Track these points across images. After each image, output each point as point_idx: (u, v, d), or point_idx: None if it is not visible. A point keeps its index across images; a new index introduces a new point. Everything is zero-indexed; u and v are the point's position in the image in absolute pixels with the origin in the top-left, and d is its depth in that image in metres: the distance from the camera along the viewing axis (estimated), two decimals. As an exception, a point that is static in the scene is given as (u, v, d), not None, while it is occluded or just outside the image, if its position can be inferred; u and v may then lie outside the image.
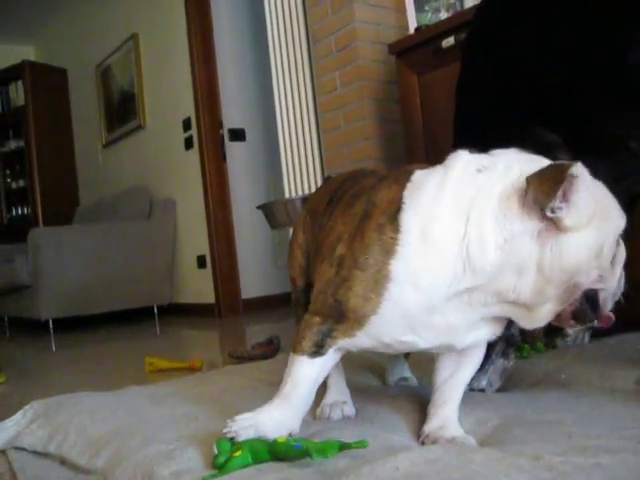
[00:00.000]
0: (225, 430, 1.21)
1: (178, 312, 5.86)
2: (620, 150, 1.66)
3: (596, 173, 1.17)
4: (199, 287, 5.69)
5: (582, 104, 1.68)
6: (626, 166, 1.67)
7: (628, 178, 1.67)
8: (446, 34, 2.90)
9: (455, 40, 2.85)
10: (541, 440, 1.20)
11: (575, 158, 1.18)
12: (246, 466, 1.15)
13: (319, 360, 1.26)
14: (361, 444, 1.14)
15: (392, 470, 1.06)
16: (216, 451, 1.17)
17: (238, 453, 1.15)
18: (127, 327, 5.26)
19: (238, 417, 1.25)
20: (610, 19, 1.63)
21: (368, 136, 3.56)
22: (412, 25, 3.37)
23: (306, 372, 1.27)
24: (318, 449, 1.12)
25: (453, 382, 1.34)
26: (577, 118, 1.69)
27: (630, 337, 2.06)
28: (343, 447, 1.15)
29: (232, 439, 1.20)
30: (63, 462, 1.48)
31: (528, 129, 1.74)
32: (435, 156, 2.93)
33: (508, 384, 1.72)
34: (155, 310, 5.57)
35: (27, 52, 8.39)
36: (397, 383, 1.77)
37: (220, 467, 1.14)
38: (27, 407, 1.82)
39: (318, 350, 1.25)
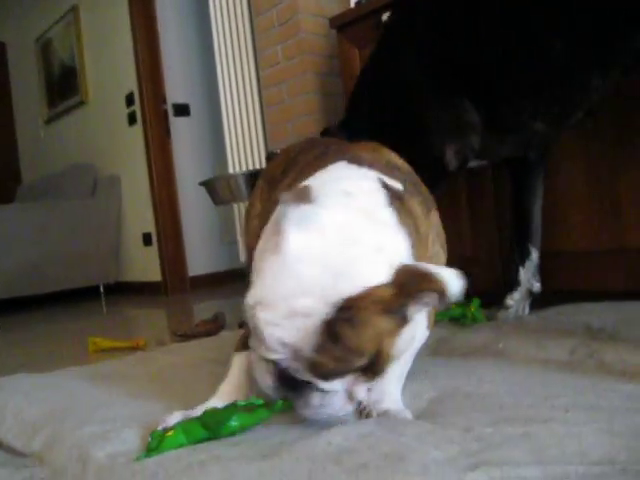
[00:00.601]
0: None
1: (125, 290, 5.81)
2: (526, 129, 1.92)
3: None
4: (145, 265, 5.64)
5: (502, 88, 1.80)
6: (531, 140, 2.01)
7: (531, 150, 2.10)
8: (386, 8, 2.88)
9: (395, 14, 2.85)
10: (473, 411, 1.23)
11: (486, 135, 1.33)
12: (180, 446, 1.15)
13: None
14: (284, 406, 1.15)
15: (325, 445, 1.07)
16: (149, 439, 1.16)
17: (170, 433, 1.15)
18: (73, 307, 5.20)
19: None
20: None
21: (311, 111, 3.55)
22: (353, -1, 3.35)
23: None
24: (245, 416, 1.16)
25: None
26: (496, 100, 1.81)
27: (567, 308, 2.11)
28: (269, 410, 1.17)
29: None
30: (0, 446, 1.47)
31: (453, 101, 1.81)
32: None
33: (445, 352, 1.75)
34: (101, 289, 5.52)
35: (-36, 26, 8.16)
36: None
37: (152, 450, 1.14)
38: (-37, 391, 1.79)
39: None
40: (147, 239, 5.56)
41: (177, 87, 5.54)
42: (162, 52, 5.41)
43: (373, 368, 1.08)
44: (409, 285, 1.02)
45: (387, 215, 1.13)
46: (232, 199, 3.14)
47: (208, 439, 1.17)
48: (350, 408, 1.16)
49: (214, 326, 2.85)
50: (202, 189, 3.33)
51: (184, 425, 1.17)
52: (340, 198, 1.12)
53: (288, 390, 1.12)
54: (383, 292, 1.02)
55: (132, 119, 5.55)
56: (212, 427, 1.17)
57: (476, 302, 2.18)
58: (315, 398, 1.12)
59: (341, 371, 1.08)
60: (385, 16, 2.87)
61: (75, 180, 5.93)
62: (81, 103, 6.32)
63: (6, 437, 1.45)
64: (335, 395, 1.12)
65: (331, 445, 1.07)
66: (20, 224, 5.26)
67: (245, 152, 4.16)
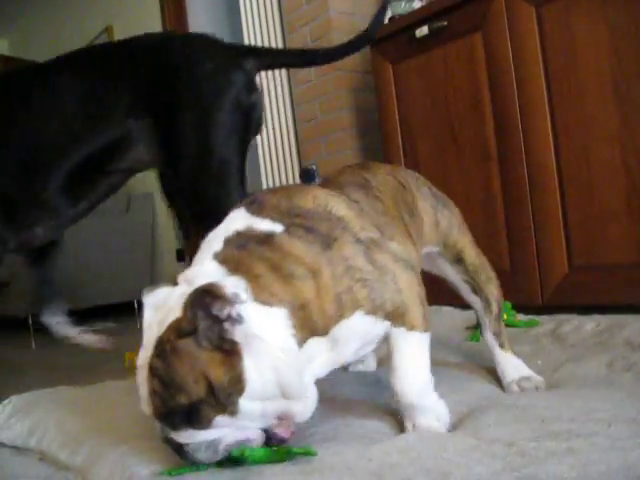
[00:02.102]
0: None
1: (159, 306, 5.83)
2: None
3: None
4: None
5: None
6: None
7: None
8: (420, 23, 2.91)
9: (429, 29, 2.86)
10: (515, 424, 1.22)
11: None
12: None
13: None
14: (309, 452, 1.14)
15: (366, 461, 1.07)
16: None
17: None
18: (109, 322, 5.23)
19: None
20: None
21: (345, 127, 3.56)
22: (386, 15, 3.36)
23: None
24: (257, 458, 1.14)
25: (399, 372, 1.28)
26: None
27: (605, 322, 2.08)
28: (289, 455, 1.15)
29: None
30: (42, 458, 1.48)
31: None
32: (411, 145, 2.96)
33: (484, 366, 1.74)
34: (135, 305, 5.55)
35: (1, 46, 8.31)
36: (520, 385, 1.55)
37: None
38: (6, 402, 1.82)
39: None
40: (181, 255, 5.59)
41: (210, 104, 5.58)
42: (195, 70, 5.46)
43: (221, 406, 1.06)
44: (192, 301, 1.04)
45: (208, 261, 1.18)
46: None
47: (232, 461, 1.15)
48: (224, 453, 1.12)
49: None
50: (236, 205, 3.34)
51: None
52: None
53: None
54: (177, 318, 1.06)
55: (165, 138, 5.59)
56: (239, 455, 1.15)
57: (507, 306, 2.16)
58: (188, 452, 1.10)
59: (172, 411, 1.06)
60: (419, 31, 2.88)
61: (110, 197, 5.99)
62: (115, 121, 6.38)
63: (50, 448, 1.47)
64: (198, 445, 1.09)
65: (372, 462, 1.07)
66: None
67: (279, 169, 4.18)
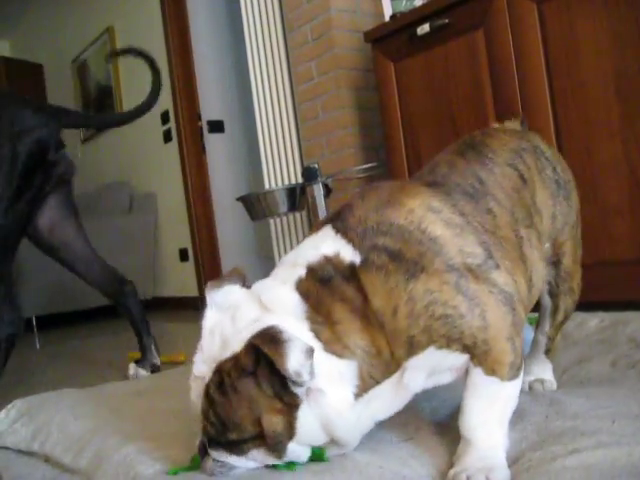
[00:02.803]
0: None
1: (161, 306, 5.85)
2: None
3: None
4: (181, 280, 5.67)
5: None
6: None
7: None
8: (421, 21, 2.90)
9: (430, 27, 2.85)
10: (520, 423, 1.22)
11: None
12: None
13: None
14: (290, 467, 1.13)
15: (376, 468, 1.07)
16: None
17: None
18: (110, 322, 5.24)
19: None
20: None
21: (346, 125, 3.56)
22: (387, 12, 3.37)
23: None
24: None
25: (465, 414, 1.13)
26: None
27: (610, 319, 2.08)
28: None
29: None
30: (47, 460, 1.48)
31: None
32: (413, 143, 2.96)
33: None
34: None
35: (2, 48, 8.32)
36: (531, 385, 1.52)
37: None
38: (10, 406, 1.81)
39: None
40: (183, 255, 5.60)
41: (211, 104, 5.59)
42: (196, 70, 5.47)
43: (269, 448, 1.05)
44: (257, 345, 1.00)
45: (289, 288, 1.10)
46: (269, 214, 3.15)
47: None
48: None
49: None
50: (238, 204, 3.35)
51: None
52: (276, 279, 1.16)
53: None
54: (241, 351, 1.03)
55: (167, 137, 5.61)
56: None
57: None
58: (207, 463, 1.10)
59: (220, 440, 1.06)
60: (420, 29, 2.88)
61: (112, 197, 6.01)
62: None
63: (53, 452, 1.47)
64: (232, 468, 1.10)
65: (383, 469, 1.07)
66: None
67: (281, 167, 4.18)
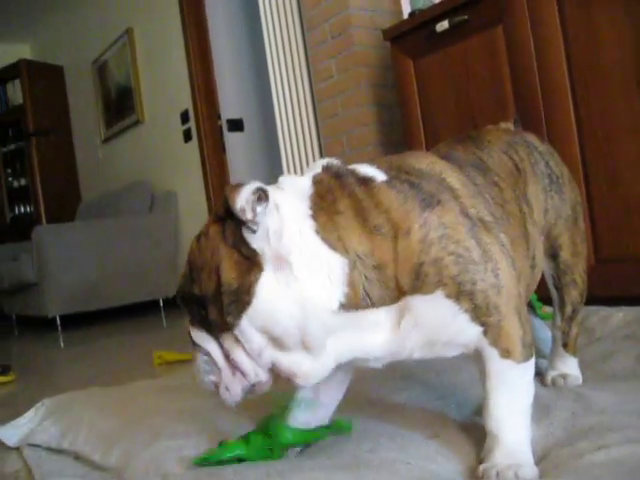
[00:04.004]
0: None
1: (183, 304, 5.86)
2: None
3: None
4: (204, 279, 5.69)
5: None
6: None
7: None
8: (440, 18, 2.90)
9: (449, 24, 2.85)
10: (546, 419, 1.22)
11: None
12: (239, 454, 1.16)
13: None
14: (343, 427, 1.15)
15: (403, 464, 1.08)
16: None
17: (232, 440, 1.18)
18: (133, 321, 5.29)
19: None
20: None
21: (366, 122, 3.56)
22: (406, 10, 3.36)
23: None
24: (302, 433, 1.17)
25: (489, 409, 1.11)
26: None
27: (634, 315, 2.07)
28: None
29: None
30: (77, 457, 1.51)
31: None
32: (433, 139, 2.96)
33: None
34: (161, 303, 5.59)
35: (23, 51, 8.39)
36: (554, 380, 1.53)
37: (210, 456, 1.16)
38: (39, 404, 1.84)
39: None
40: (205, 253, 5.62)
41: (231, 103, 5.60)
42: (215, 69, 5.49)
43: (222, 313, 1.00)
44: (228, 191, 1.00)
45: (306, 177, 1.10)
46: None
47: (267, 448, 1.18)
48: (238, 385, 1.06)
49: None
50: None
51: (248, 434, 1.20)
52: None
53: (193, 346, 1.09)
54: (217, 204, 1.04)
55: (187, 136, 5.63)
56: (273, 433, 1.18)
57: (534, 297, 2.15)
58: (195, 356, 1.07)
59: (186, 297, 1.06)
60: (439, 26, 2.88)
61: (133, 197, 6.05)
62: (137, 122, 6.43)
63: (83, 450, 1.49)
64: (206, 346, 1.05)
65: (410, 465, 1.08)
66: (81, 242, 5.38)
67: (301, 165, 4.19)
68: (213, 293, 1.01)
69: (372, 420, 1.34)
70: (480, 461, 1.08)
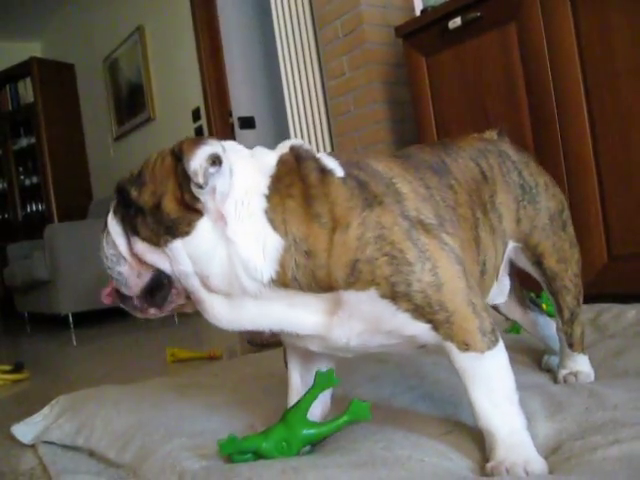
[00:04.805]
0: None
1: (195, 302, 5.87)
2: None
3: None
4: (215, 276, 5.70)
5: None
6: None
7: None
8: (452, 15, 2.90)
9: (462, 21, 2.85)
10: (560, 414, 1.22)
11: None
12: (258, 446, 1.17)
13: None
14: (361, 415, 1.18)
15: (417, 461, 1.08)
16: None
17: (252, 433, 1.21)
18: (145, 319, 5.30)
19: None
20: None
21: (378, 120, 3.56)
22: (418, 7, 3.37)
23: None
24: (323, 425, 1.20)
25: (473, 407, 1.13)
26: None
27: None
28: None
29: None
30: (92, 455, 1.51)
31: None
32: (445, 137, 2.95)
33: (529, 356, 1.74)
34: (173, 300, 5.59)
35: (34, 49, 8.42)
36: (565, 378, 1.53)
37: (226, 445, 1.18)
38: (54, 402, 1.85)
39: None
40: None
41: (242, 101, 5.61)
42: (227, 67, 5.49)
43: (153, 224, 1.08)
44: (190, 141, 1.07)
45: (275, 153, 1.16)
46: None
47: (285, 441, 1.18)
48: (133, 282, 1.15)
49: (288, 336, 2.86)
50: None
51: (269, 427, 1.21)
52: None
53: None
54: (182, 141, 1.09)
55: (199, 133, 5.64)
56: (291, 424, 1.19)
57: (545, 295, 2.14)
58: (104, 238, 1.16)
59: (120, 190, 1.13)
60: (452, 23, 2.87)
61: (144, 195, 6.06)
62: (149, 120, 6.45)
63: (98, 447, 1.50)
64: (114, 238, 1.14)
65: (424, 462, 1.08)
66: (92, 239, 5.36)
67: (312, 163, 4.19)
68: (150, 209, 1.08)
69: (386, 418, 1.35)
70: (487, 459, 1.09)
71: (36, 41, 8.58)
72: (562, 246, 1.49)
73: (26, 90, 7.96)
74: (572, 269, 1.51)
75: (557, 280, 1.49)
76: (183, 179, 1.05)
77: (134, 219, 1.10)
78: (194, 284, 1.09)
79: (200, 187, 1.02)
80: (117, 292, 1.19)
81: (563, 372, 1.55)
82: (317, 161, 1.13)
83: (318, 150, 4.15)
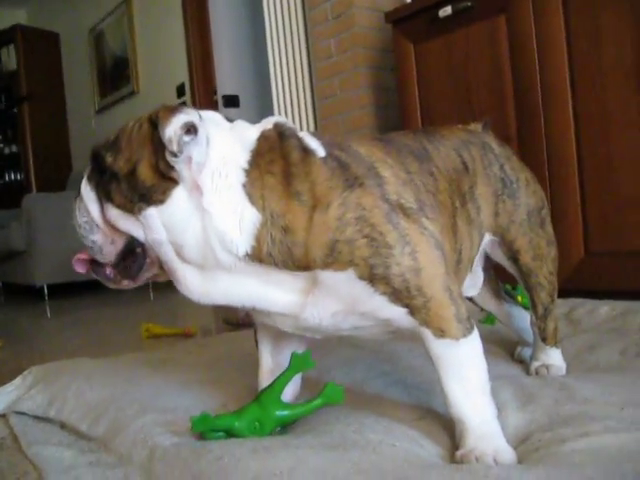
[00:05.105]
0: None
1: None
2: None
3: None
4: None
5: None
6: None
7: None
8: (443, 3, 2.89)
9: (452, 10, 2.84)
10: (530, 405, 1.24)
11: None
12: (231, 425, 1.18)
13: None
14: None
15: (389, 446, 1.09)
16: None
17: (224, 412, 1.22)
18: (121, 293, 5.28)
19: None
20: None
21: (363, 105, 3.56)
22: (409, -7, 3.35)
23: None
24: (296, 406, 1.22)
25: (445, 395, 1.13)
26: None
27: (621, 308, 2.09)
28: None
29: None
30: (63, 427, 1.51)
31: None
32: (430, 124, 2.95)
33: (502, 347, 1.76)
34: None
35: (19, 16, 8.32)
36: (537, 370, 1.55)
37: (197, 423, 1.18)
38: (26, 372, 1.84)
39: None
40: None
41: (227, 78, 5.57)
42: (213, 44, 5.45)
43: (127, 191, 1.08)
44: (168, 109, 1.07)
45: (256, 128, 1.15)
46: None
47: (257, 421, 1.19)
48: (107, 249, 1.14)
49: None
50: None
51: (243, 407, 1.21)
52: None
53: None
54: (158, 109, 1.08)
55: (183, 109, 5.61)
56: (265, 405, 1.19)
57: (521, 288, 2.15)
58: (76, 205, 1.16)
59: (95, 156, 1.12)
60: (442, 11, 2.87)
61: (125, 169, 6.03)
62: (132, 93, 6.40)
63: (70, 419, 1.49)
64: (88, 204, 1.14)
65: (396, 447, 1.09)
66: (70, 211, 5.35)
67: (296, 145, 4.18)
68: (125, 176, 1.08)
69: (358, 402, 1.35)
70: (457, 447, 1.10)
71: (21, 8, 8.46)
72: (539, 243, 1.50)
73: (9, 57, 7.88)
74: (548, 267, 1.52)
75: (532, 277, 1.50)
76: (159, 146, 1.04)
77: (108, 185, 1.09)
78: (167, 253, 1.09)
79: (174, 155, 1.02)
80: (91, 262, 1.18)
81: (535, 364, 1.56)
82: (300, 140, 1.12)
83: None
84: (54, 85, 7.85)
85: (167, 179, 1.05)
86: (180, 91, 5.61)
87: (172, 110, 1.04)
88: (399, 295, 1.07)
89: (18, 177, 7.96)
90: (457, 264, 1.32)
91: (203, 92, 5.40)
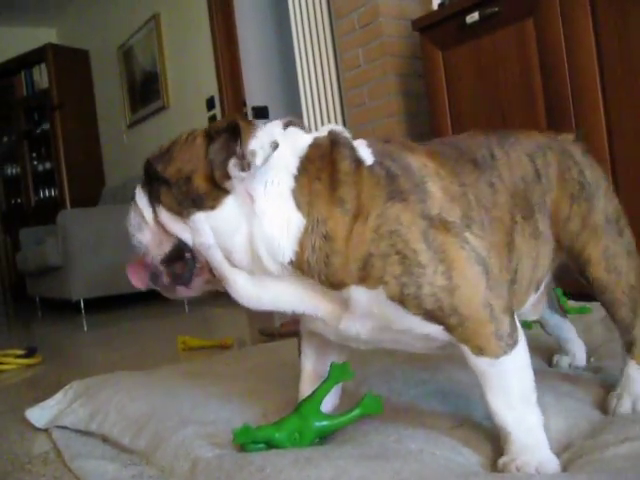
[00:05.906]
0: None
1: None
2: None
3: None
4: (226, 265, 5.71)
5: None
6: None
7: None
8: (470, 9, 2.89)
9: (479, 15, 2.84)
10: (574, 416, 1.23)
11: None
12: (271, 436, 1.18)
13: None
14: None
15: (429, 455, 1.09)
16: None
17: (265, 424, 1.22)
18: (156, 306, 5.32)
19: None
20: None
21: (393, 113, 3.56)
22: (436, 0, 3.35)
23: None
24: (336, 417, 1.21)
25: (489, 406, 1.11)
26: None
27: None
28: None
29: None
30: (105, 440, 1.53)
31: None
32: (460, 132, 2.94)
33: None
34: (184, 289, 5.61)
35: (49, 35, 8.45)
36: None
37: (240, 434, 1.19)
38: (67, 387, 1.87)
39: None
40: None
41: (256, 90, 5.61)
42: (241, 56, 5.50)
43: (178, 195, 1.10)
44: (238, 120, 1.06)
45: (310, 136, 1.16)
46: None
47: (297, 432, 1.19)
48: (157, 251, 1.17)
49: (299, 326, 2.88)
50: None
51: (282, 418, 1.22)
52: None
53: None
54: (219, 122, 1.11)
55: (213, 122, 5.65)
56: (305, 415, 1.20)
57: (558, 292, 2.11)
58: (132, 210, 1.19)
59: (155, 170, 1.13)
60: (469, 17, 2.86)
61: (157, 183, 6.08)
62: (162, 108, 6.46)
63: (112, 432, 1.51)
64: (142, 211, 1.16)
65: (436, 455, 1.09)
66: (106, 226, 5.42)
67: (326, 154, 4.19)
68: (175, 182, 1.10)
69: (396, 411, 1.36)
70: (500, 453, 1.09)
71: (51, 27, 8.59)
72: (615, 252, 1.33)
73: (41, 76, 7.99)
74: (627, 279, 1.33)
75: (606, 294, 1.33)
76: (219, 155, 1.07)
77: (159, 189, 1.13)
78: (216, 257, 1.11)
79: (242, 169, 1.03)
80: (149, 274, 1.21)
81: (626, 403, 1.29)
82: (352, 149, 1.13)
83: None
84: (85, 101, 7.95)
85: (220, 188, 1.07)
86: (210, 104, 5.66)
87: (253, 125, 1.06)
88: (433, 314, 1.05)
89: (52, 193, 8.06)
90: (511, 284, 1.22)
91: (232, 104, 5.44)
